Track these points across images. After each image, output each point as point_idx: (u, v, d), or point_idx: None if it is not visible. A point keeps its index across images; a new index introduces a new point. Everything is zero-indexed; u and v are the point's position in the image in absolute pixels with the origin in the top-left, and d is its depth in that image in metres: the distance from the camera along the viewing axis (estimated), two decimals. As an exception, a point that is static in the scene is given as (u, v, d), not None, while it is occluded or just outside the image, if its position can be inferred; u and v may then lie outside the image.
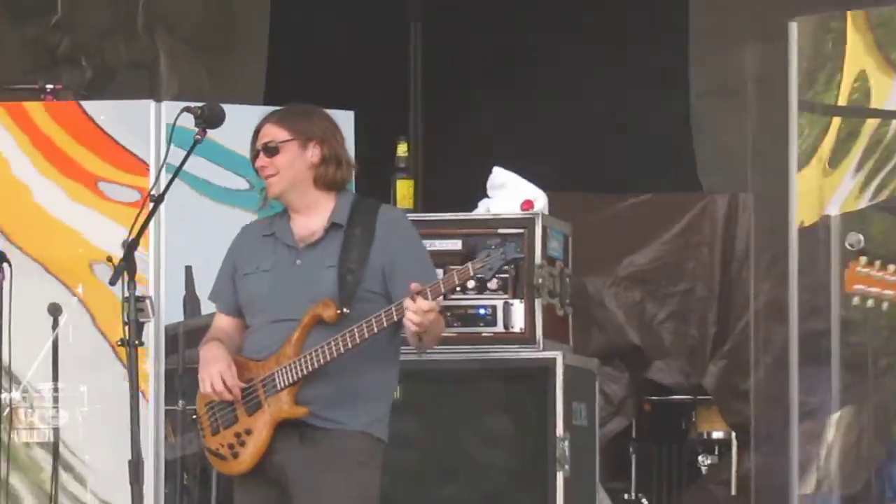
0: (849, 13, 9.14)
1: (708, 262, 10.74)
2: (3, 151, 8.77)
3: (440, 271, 6.42)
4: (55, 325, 8.25)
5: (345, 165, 6.52)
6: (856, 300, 5.97)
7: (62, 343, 8.31)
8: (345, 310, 6.01)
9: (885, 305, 6.05)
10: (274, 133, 6.40)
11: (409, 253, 6.41)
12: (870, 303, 5.96)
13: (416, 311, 5.82)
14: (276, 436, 6.13)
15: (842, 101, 9.04)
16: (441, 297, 6.04)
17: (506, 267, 6.53)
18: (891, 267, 6.06)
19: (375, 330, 6.01)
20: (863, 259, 6.04)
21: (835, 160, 8.97)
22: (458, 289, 6.38)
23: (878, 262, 5.97)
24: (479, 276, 6.26)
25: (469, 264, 6.27)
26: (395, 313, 5.92)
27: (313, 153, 6.38)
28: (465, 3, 11.92)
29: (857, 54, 9.21)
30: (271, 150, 6.40)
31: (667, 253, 10.89)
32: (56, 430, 8.38)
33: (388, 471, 6.49)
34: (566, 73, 11.73)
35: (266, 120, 6.54)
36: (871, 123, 8.68)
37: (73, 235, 8.83)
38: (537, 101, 11.74)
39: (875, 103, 8.84)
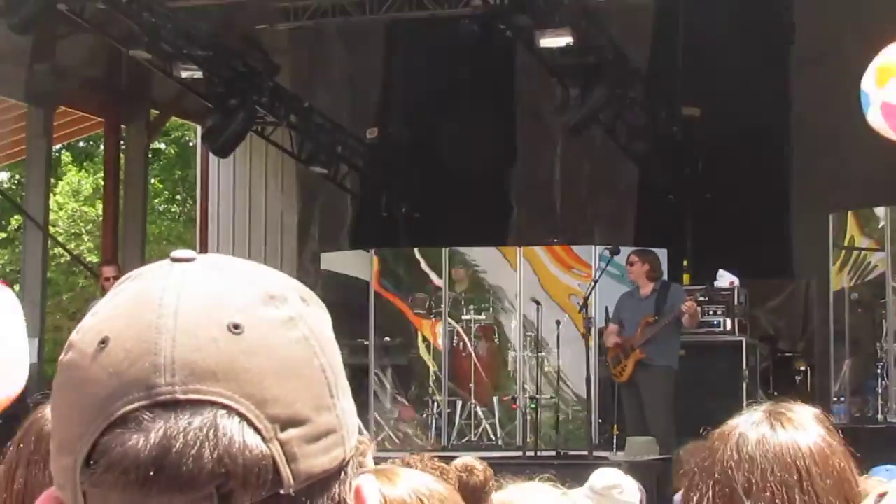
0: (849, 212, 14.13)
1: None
2: (544, 272, 14.30)
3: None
4: (557, 327, 13.40)
5: (658, 271, 12.43)
6: None
7: (561, 332, 13.44)
8: (657, 317, 11.83)
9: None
10: (633, 258, 12.48)
11: (681, 297, 12.09)
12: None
13: (690, 306, 11.66)
14: (635, 367, 11.93)
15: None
16: (696, 305, 12.08)
17: (713, 292, 12.97)
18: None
19: (669, 320, 11.74)
20: None
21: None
22: (698, 306, 12.34)
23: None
24: (701, 298, 12.80)
25: (696, 293, 12.77)
26: (678, 312, 11.61)
27: (645, 268, 12.29)
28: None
29: (853, 228, 14.06)
30: (631, 265, 12.47)
31: (786, 300, 16.32)
32: (559, 364, 13.51)
33: (677, 382, 12.07)
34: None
35: (630, 252, 12.79)
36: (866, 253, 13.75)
37: (565, 288, 14.31)
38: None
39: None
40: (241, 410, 0.97)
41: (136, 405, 0.96)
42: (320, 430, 1.01)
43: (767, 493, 1.92)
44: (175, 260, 1.04)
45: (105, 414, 0.97)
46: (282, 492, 0.98)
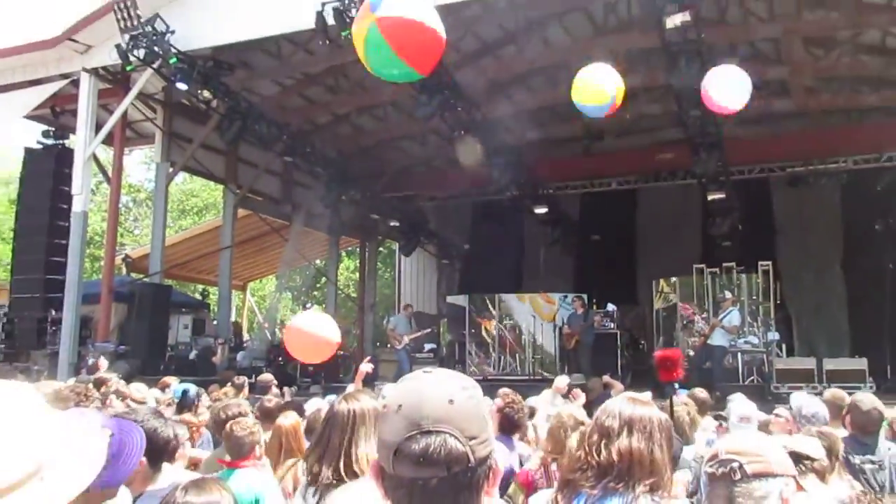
0: (661, 279, 13.02)
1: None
2: (536, 304, 13.81)
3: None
4: (541, 328, 12.98)
5: (584, 303, 11.16)
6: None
7: (544, 329, 13.26)
8: (584, 323, 10.68)
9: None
10: (573, 299, 11.52)
11: (593, 315, 11.08)
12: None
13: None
14: (575, 344, 10.86)
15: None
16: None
17: (604, 313, 11.31)
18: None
19: (588, 325, 10.76)
20: None
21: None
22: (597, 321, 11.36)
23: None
24: (601, 314, 11.44)
25: (599, 313, 11.32)
26: (591, 323, 10.66)
27: (578, 303, 11.29)
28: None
29: (664, 284, 12.90)
30: (573, 301, 11.41)
31: (635, 315, 14.37)
32: (542, 342, 13.12)
33: (592, 350, 11.21)
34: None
35: (573, 296, 11.66)
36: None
37: (543, 310, 13.34)
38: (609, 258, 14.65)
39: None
40: (455, 434, 0.95)
41: (413, 433, 0.95)
42: (483, 439, 0.98)
43: (618, 434, 1.72)
44: (425, 371, 1.01)
45: (401, 436, 0.95)
46: (470, 465, 0.95)
